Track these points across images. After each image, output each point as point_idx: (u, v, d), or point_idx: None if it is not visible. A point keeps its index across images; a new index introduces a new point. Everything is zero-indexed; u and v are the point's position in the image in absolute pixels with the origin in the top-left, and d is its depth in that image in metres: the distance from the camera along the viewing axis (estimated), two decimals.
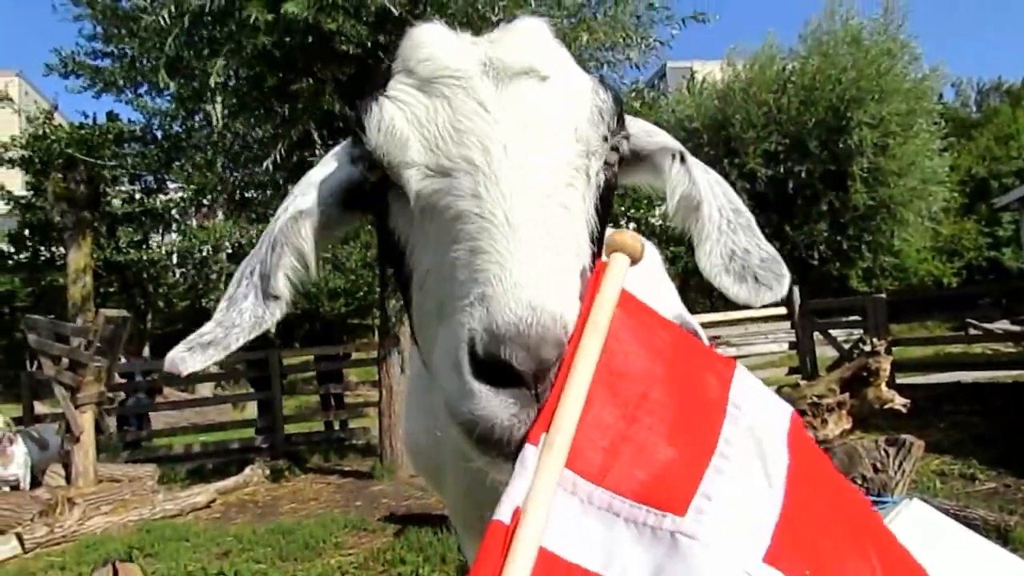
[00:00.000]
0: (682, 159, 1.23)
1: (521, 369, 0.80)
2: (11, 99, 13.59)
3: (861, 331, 11.06)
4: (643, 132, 1.25)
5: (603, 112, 1.05)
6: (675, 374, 0.91)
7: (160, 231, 17.85)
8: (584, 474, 0.81)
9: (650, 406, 0.87)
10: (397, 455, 7.91)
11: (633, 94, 9.19)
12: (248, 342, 1.17)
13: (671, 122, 13.91)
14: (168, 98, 8.23)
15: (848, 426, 7.22)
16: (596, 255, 1.04)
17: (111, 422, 10.03)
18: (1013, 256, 30.91)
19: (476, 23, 5.83)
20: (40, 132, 14.51)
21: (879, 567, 0.86)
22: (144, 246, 16.58)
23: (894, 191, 13.50)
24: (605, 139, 1.05)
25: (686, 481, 0.84)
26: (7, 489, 7.73)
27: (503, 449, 0.84)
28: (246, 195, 9.66)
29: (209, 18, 6.34)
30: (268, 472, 8.55)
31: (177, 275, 20.05)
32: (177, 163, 10.54)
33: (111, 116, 16.92)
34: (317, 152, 6.55)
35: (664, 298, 2.22)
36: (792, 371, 11.74)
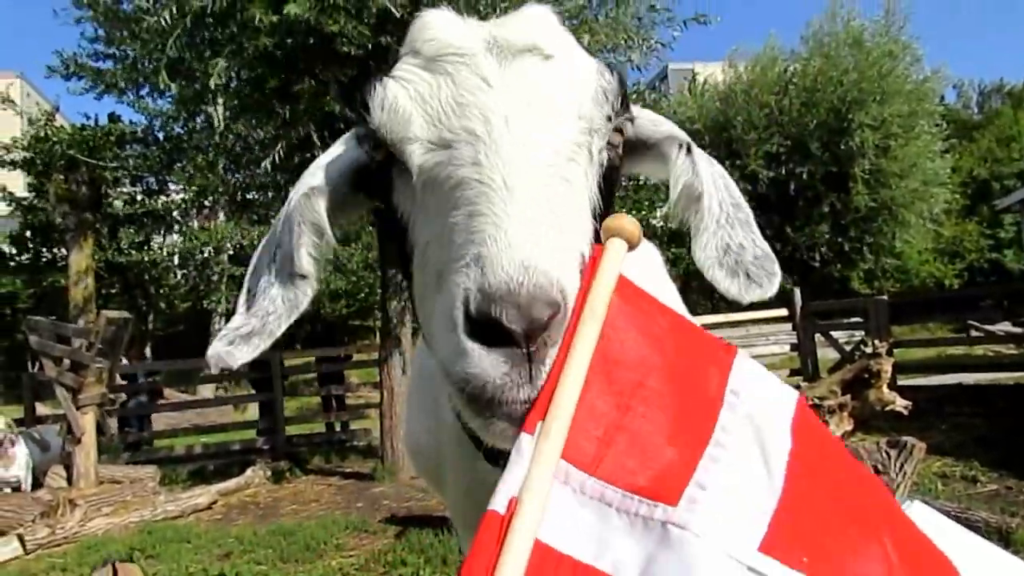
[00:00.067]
0: (688, 150, 1.23)
1: (511, 327, 0.79)
2: (13, 101, 13.63)
3: (862, 333, 11.02)
4: (650, 122, 1.25)
5: (607, 92, 1.05)
6: (673, 362, 0.90)
7: (161, 232, 17.87)
8: (577, 463, 0.80)
9: (646, 394, 0.86)
10: (398, 457, 7.90)
11: (634, 96, 9.20)
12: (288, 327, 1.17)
13: None
14: (169, 100, 8.25)
15: (849, 428, 7.18)
16: (599, 233, 1.04)
17: (112, 423, 10.01)
18: (1015, 258, 30.91)
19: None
20: (42, 134, 14.55)
21: (895, 555, 0.84)
22: (146, 247, 16.64)
23: (896, 193, 13.50)
24: (609, 119, 1.05)
25: (680, 470, 0.82)
26: (8, 490, 7.73)
27: (495, 409, 0.84)
28: (247, 197, 9.68)
29: (210, 19, 6.35)
30: (269, 473, 8.54)
31: (178, 276, 20.08)
32: (178, 164, 10.56)
33: (113, 118, 16.96)
34: (318, 153, 6.54)
35: (665, 299, 2.22)
36: (793, 373, 11.70)
